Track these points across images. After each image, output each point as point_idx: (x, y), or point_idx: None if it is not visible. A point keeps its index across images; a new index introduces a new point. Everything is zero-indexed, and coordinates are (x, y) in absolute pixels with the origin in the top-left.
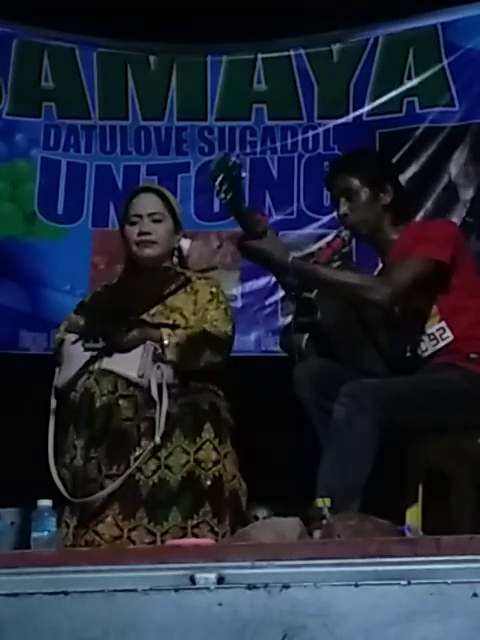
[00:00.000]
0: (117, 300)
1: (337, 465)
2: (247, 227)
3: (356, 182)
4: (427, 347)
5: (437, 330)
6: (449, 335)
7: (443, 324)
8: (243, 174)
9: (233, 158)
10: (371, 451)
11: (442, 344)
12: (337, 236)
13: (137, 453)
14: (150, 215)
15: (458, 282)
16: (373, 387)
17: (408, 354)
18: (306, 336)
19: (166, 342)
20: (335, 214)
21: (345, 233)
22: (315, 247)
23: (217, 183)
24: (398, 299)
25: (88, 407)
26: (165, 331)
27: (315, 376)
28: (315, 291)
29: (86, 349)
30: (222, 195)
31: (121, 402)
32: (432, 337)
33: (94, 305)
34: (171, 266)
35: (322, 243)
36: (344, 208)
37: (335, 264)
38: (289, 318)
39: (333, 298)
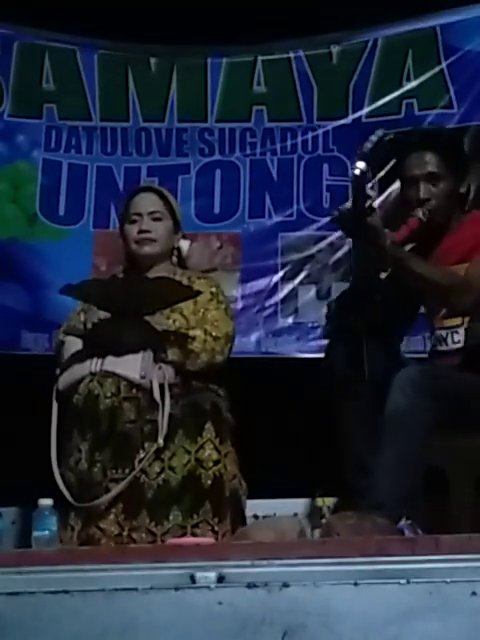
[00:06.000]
0: (117, 299)
1: (400, 459)
2: (358, 199)
3: (443, 167)
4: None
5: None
6: None
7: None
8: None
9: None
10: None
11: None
12: (414, 216)
13: (141, 456)
14: (150, 214)
15: None
16: (427, 375)
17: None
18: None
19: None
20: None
21: (422, 213)
22: (315, 249)
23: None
24: (476, 309)
25: (92, 409)
26: (165, 342)
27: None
28: (387, 272)
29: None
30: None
31: (125, 405)
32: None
33: (92, 295)
34: (180, 280)
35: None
36: (426, 192)
37: (409, 246)
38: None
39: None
